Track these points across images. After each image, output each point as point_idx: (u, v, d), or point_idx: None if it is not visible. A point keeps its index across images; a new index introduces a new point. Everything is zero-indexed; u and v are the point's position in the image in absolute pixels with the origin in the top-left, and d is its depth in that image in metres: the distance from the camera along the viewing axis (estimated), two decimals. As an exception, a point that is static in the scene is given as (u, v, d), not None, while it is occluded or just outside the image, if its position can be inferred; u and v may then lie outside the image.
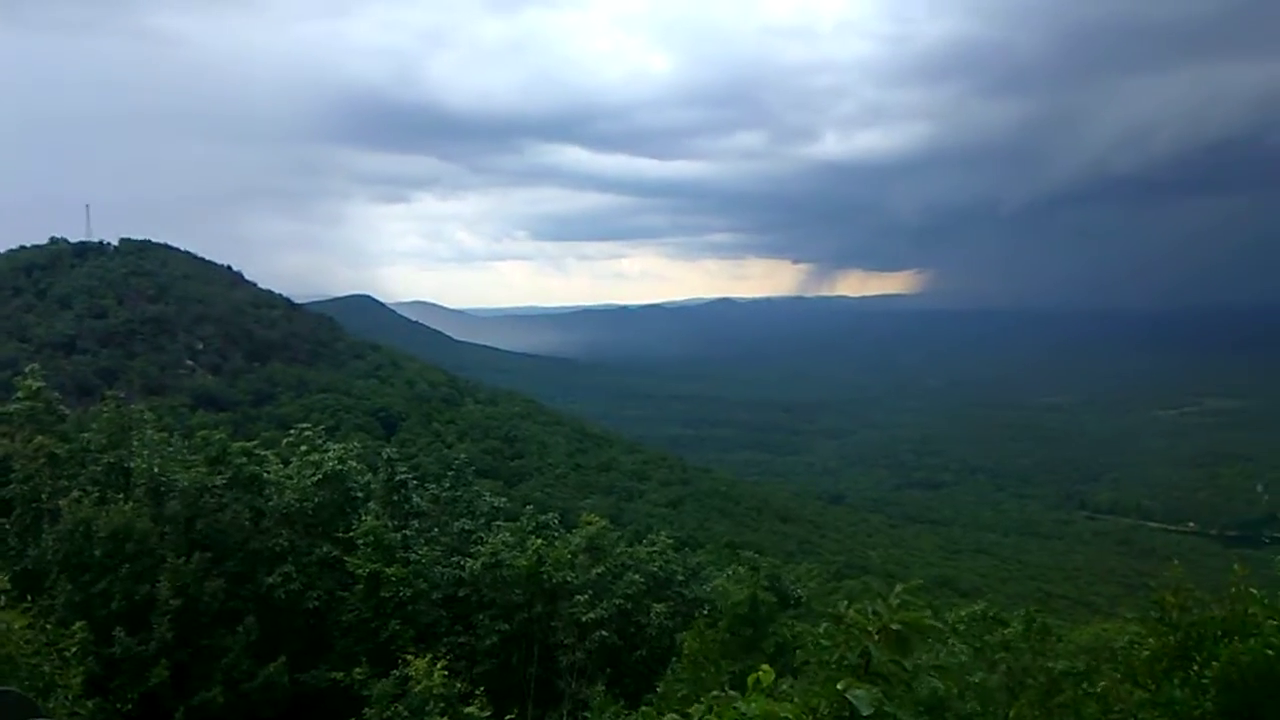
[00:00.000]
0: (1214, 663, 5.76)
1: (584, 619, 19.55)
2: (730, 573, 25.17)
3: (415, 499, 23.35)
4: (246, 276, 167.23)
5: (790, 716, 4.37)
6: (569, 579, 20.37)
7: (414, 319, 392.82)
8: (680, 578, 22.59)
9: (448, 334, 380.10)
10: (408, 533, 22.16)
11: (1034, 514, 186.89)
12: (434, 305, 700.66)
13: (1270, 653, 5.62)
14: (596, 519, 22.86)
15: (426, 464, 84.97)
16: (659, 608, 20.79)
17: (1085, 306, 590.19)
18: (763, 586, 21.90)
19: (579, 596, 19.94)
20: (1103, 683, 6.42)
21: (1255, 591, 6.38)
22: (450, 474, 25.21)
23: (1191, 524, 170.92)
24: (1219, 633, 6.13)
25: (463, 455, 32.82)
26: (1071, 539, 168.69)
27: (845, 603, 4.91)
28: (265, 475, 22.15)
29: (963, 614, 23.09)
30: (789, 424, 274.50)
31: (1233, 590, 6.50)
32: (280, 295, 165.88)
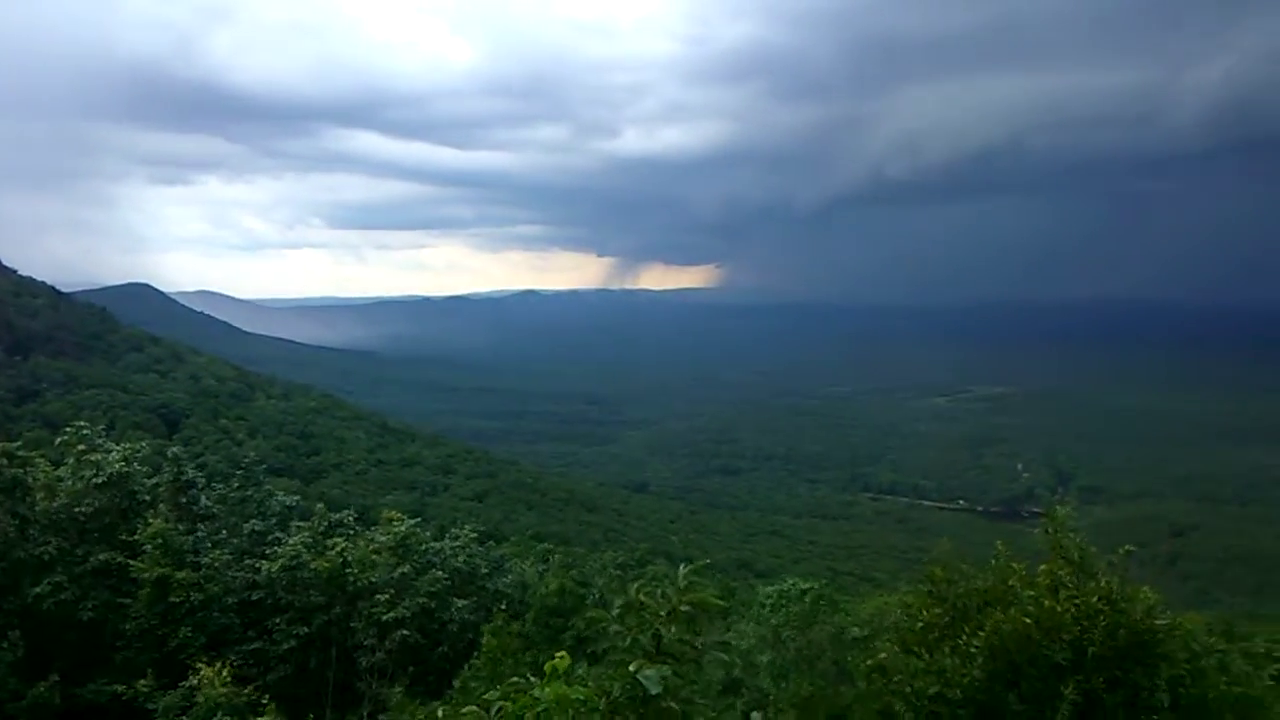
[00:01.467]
0: (980, 632, 6.25)
1: (385, 618, 19.02)
2: (533, 565, 25.21)
3: (204, 500, 21.98)
4: (5, 263, 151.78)
5: (582, 698, 4.42)
6: (372, 579, 19.77)
7: (199, 309, 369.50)
8: (484, 571, 22.39)
9: (237, 325, 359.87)
10: (197, 535, 20.86)
11: (823, 496, 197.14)
12: (221, 295, 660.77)
13: (1029, 620, 6.16)
14: (397, 515, 22.28)
15: (214, 463, 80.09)
16: (462, 603, 20.52)
17: (868, 301, 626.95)
18: (572, 579, 22.03)
19: (379, 596, 19.37)
20: (882, 654, 6.86)
21: (1015, 565, 6.97)
22: (239, 473, 23.89)
23: (962, 501, 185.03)
24: (984, 603, 6.66)
25: (253, 453, 31.18)
26: (856, 519, 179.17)
27: (636, 586, 5.01)
28: (32, 480, 20.23)
29: (770, 591, 24.08)
30: (595, 415, 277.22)
31: (995, 563, 7.07)
32: (44, 283, 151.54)
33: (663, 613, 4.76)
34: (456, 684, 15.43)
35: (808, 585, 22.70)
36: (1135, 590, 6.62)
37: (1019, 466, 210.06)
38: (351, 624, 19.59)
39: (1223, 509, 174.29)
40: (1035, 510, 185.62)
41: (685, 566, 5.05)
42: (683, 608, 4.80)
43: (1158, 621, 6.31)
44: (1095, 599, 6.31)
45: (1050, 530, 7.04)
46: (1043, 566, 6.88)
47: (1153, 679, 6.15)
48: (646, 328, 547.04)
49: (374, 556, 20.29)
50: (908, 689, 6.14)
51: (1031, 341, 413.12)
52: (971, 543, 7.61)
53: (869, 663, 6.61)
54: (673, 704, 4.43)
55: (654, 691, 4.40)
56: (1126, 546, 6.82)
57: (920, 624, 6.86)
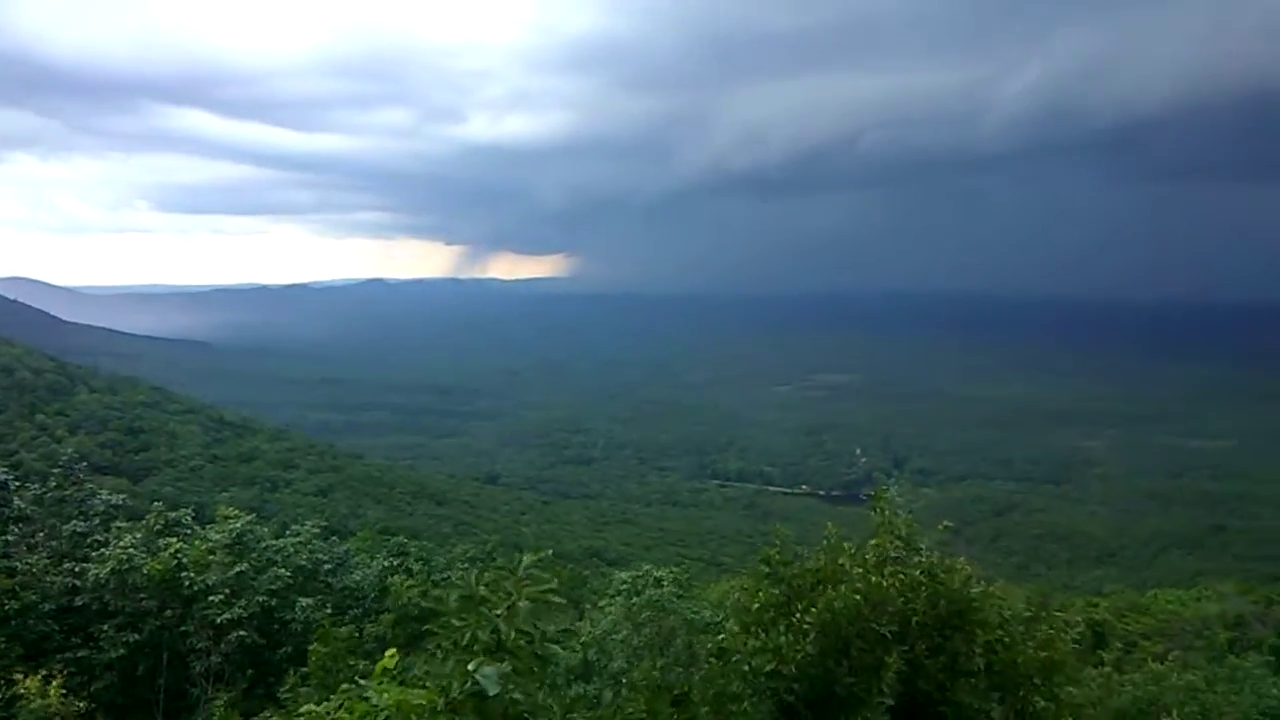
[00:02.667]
0: (812, 609, 6.57)
1: (220, 620, 18.23)
2: (383, 560, 24.65)
3: (16, 501, 20.47)
4: None
5: (424, 703, 4.38)
6: (207, 580, 18.90)
7: (10, 296, 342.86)
8: (328, 567, 21.77)
9: (54, 314, 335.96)
10: (8, 539, 19.43)
11: (673, 484, 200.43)
12: (36, 281, 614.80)
13: (858, 597, 6.53)
14: (233, 512, 21.38)
15: (31, 461, 75.02)
16: (306, 602, 19.88)
17: (714, 292, 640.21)
18: (431, 579, 21.63)
19: (214, 596, 18.55)
20: (721, 635, 7.13)
21: (845, 544, 7.37)
22: (57, 471, 22.38)
23: (805, 486, 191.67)
24: (817, 582, 7.02)
25: (72, 450, 29.20)
26: (705, 505, 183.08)
27: (475, 577, 5.01)
28: None
29: (624, 577, 24.39)
30: (445, 406, 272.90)
31: (826, 544, 7.46)
32: None
33: (502, 607, 4.76)
34: (280, 693, 14.93)
35: (662, 572, 23.12)
36: (953, 563, 7.15)
37: (857, 451, 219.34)
38: (184, 627, 18.70)
39: (1040, 489, 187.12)
40: (871, 494, 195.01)
41: (526, 557, 5.07)
42: (522, 602, 4.81)
43: (972, 591, 6.87)
44: (918, 572, 6.78)
45: (879, 510, 7.56)
46: (872, 542, 7.33)
47: (970, 645, 6.66)
48: (496, 318, 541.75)
49: (209, 556, 19.41)
50: (745, 668, 6.39)
51: (868, 331, 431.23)
52: (813, 525, 8.03)
53: (709, 645, 6.86)
54: (515, 694, 4.45)
55: (492, 691, 4.39)
56: (945, 523, 7.34)
57: (756, 605, 7.16)
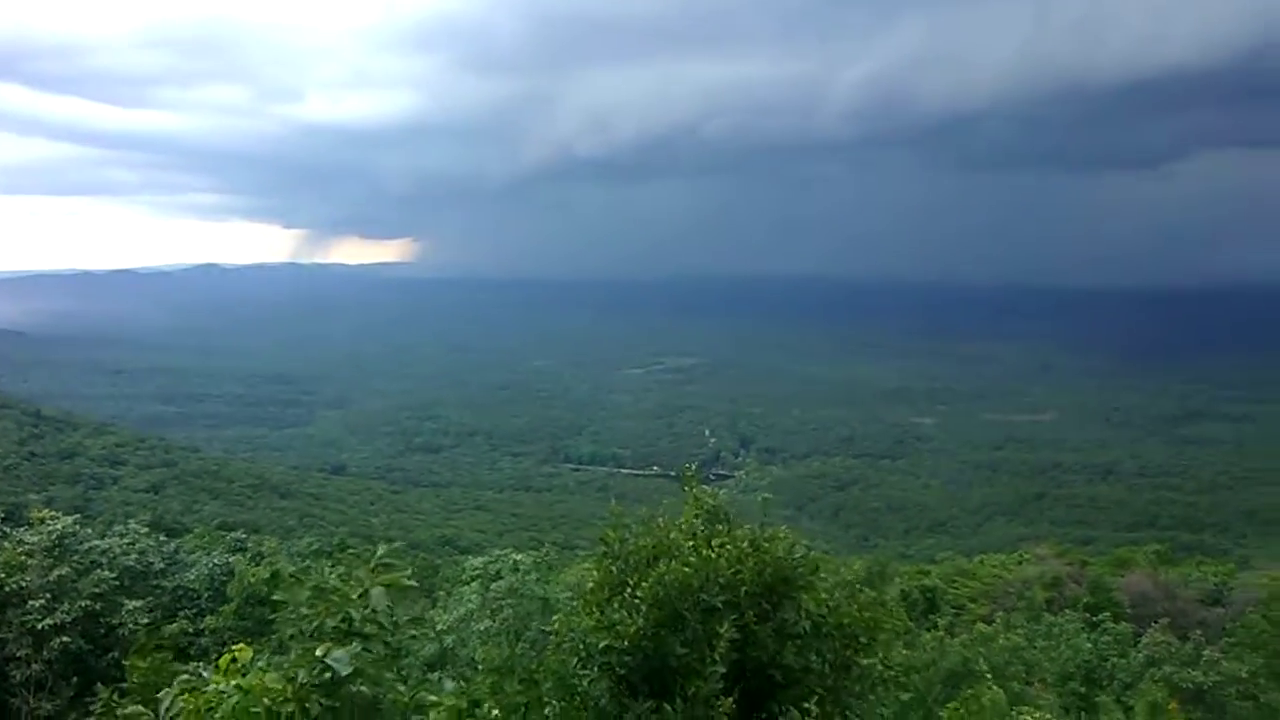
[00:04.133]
0: (643, 584, 6.78)
1: (41, 626, 17.17)
2: (221, 555, 23.70)
3: None
4: None
5: (275, 688, 4.31)
6: (23, 583, 17.73)
7: None
8: (159, 567, 20.77)
9: None
10: None
11: (526, 469, 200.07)
12: None
13: (687, 569, 6.77)
14: (50, 513, 20.11)
15: None
16: (135, 604, 18.94)
17: (564, 277, 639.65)
18: (276, 569, 20.90)
19: (34, 602, 17.44)
20: (556, 617, 7.28)
21: (675, 521, 7.63)
22: None
23: (656, 467, 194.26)
24: (652, 557, 7.24)
25: None
26: (559, 490, 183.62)
27: (328, 569, 4.96)
28: None
29: (477, 563, 24.22)
30: (287, 396, 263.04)
31: (659, 521, 7.70)
32: None
33: (354, 594, 4.73)
34: (96, 710, 14.21)
35: (520, 555, 23.10)
36: (774, 532, 7.53)
37: (706, 432, 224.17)
38: (1, 635, 17.52)
39: (878, 464, 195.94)
40: (722, 472, 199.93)
41: (381, 547, 5.05)
42: (375, 588, 4.79)
43: (795, 557, 7.26)
44: (745, 544, 7.10)
45: (687, 487, 7.90)
46: (682, 519, 7.63)
47: (797, 610, 7.03)
48: (341, 303, 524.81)
49: (25, 559, 18.21)
50: (581, 646, 6.54)
51: (716, 315, 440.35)
52: (663, 505, 8.23)
53: (550, 626, 7.00)
54: (363, 688, 4.42)
55: (343, 672, 4.35)
56: (765, 495, 7.72)
57: (592, 584, 7.34)
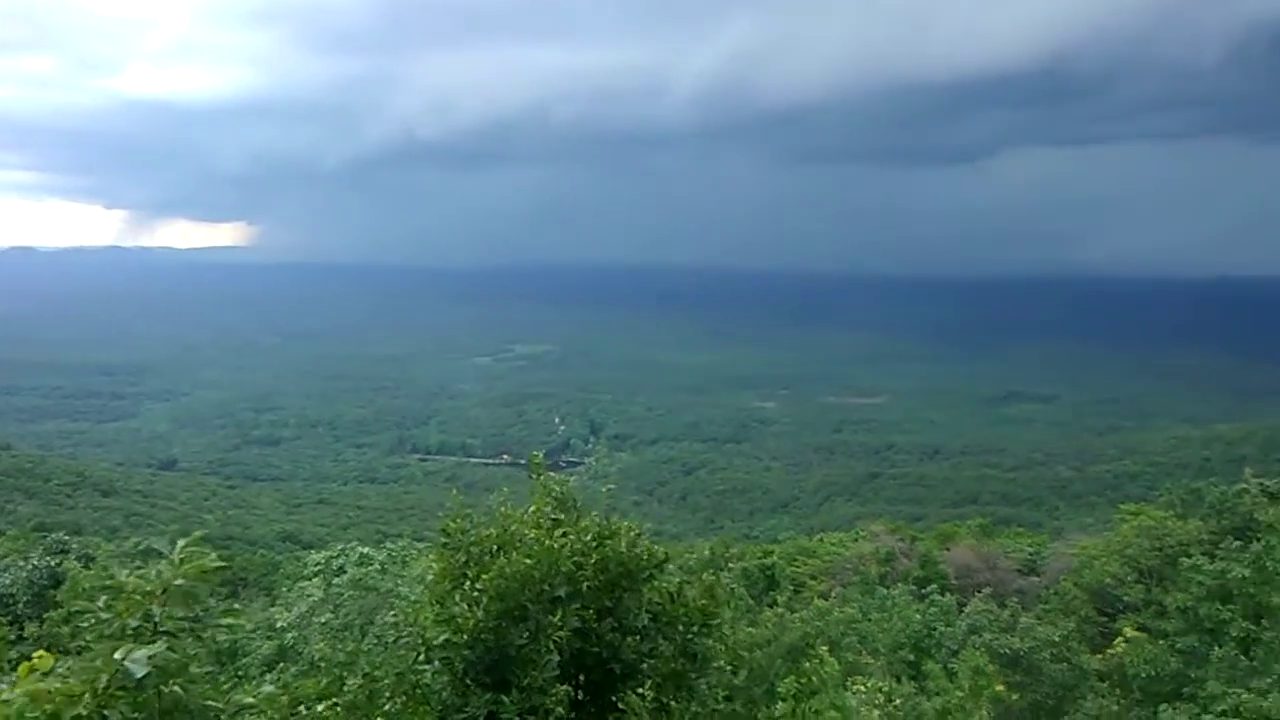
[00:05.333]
0: (484, 576, 6.75)
1: None
2: (40, 561, 22.17)
3: None
4: None
5: (67, 694, 4.07)
6: None
7: None
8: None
9: None
10: None
11: (371, 461, 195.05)
12: None
13: (529, 561, 6.78)
14: None
15: None
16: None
17: (409, 263, 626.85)
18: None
19: None
20: (390, 611, 7.17)
21: (517, 510, 7.62)
22: None
23: (506, 456, 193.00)
24: (496, 548, 7.21)
25: None
26: (406, 480, 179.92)
27: (126, 571, 4.71)
28: None
29: (318, 558, 23.47)
30: (110, 388, 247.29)
31: (501, 510, 7.67)
32: None
33: (156, 591, 4.51)
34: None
35: (368, 549, 22.56)
36: (619, 525, 7.61)
37: (557, 420, 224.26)
38: None
39: (723, 448, 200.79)
40: (572, 460, 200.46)
41: (180, 541, 4.82)
42: (177, 582, 4.58)
43: (638, 551, 7.36)
44: (588, 536, 7.15)
45: (534, 474, 7.91)
46: (531, 508, 7.63)
47: (638, 603, 7.14)
48: (170, 290, 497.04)
49: None
50: (420, 640, 6.47)
51: (565, 302, 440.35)
52: (513, 495, 8.14)
53: (389, 619, 6.89)
54: (173, 687, 4.23)
55: (140, 674, 4.15)
56: (609, 485, 7.81)
57: (433, 576, 7.25)
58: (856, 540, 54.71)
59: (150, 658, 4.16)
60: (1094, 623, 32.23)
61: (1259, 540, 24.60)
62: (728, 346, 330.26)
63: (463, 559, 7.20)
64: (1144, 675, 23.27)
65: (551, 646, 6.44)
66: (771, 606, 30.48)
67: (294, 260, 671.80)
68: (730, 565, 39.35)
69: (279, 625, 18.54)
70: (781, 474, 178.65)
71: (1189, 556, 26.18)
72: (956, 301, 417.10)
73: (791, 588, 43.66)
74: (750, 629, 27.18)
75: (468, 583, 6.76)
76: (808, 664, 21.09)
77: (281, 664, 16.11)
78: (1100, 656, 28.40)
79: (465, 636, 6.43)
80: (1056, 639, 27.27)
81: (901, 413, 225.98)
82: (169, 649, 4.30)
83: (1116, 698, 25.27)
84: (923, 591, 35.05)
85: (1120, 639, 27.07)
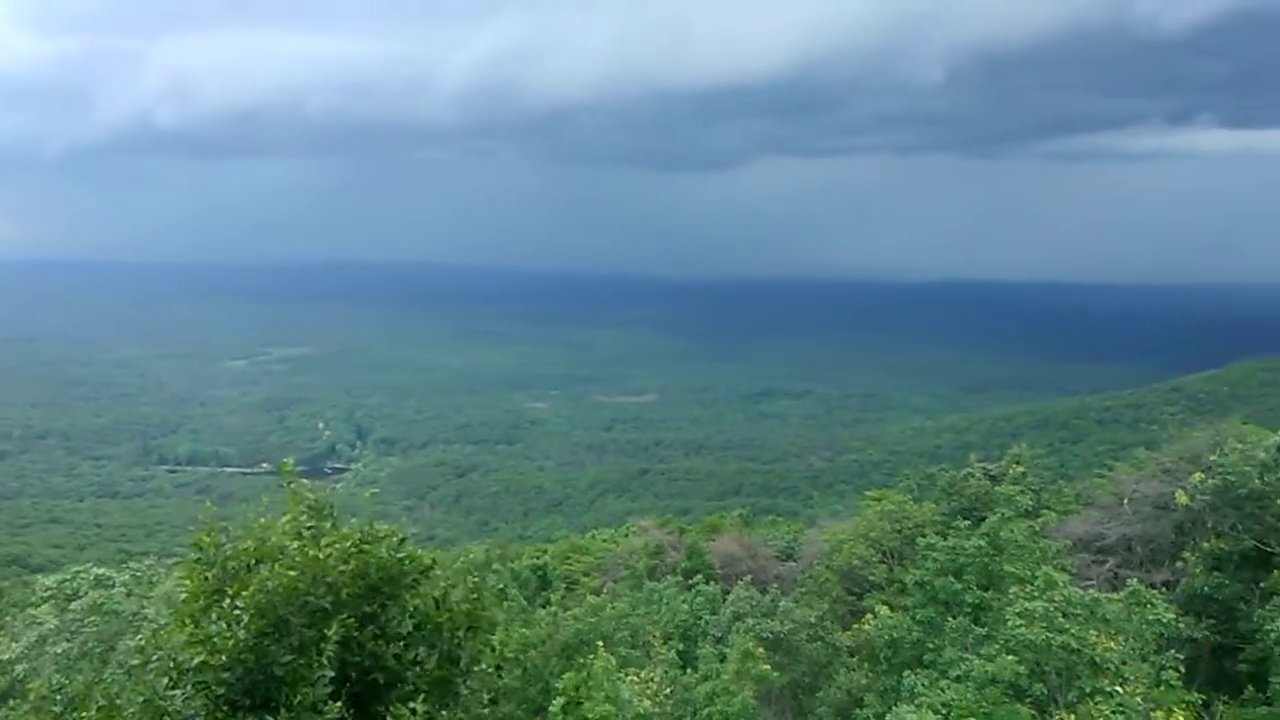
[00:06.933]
0: (244, 592, 6.36)
1: None
2: None
3: None
4: None
5: None
6: None
7: None
8: None
9: None
10: None
11: (112, 474, 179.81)
12: None
13: (293, 573, 6.45)
14: None
15: None
16: None
17: (149, 259, 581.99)
18: None
19: None
20: (139, 633, 6.62)
21: (280, 520, 7.23)
22: None
23: (265, 464, 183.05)
24: (255, 561, 6.80)
25: None
26: (153, 494, 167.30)
27: None
28: None
29: (49, 582, 21.33)
30: None
31: (259, 521, 7.26)
32: None
33: None
34: None
35: (104, 571, 20.81)
36: (378, 531, 7.39)
37: (320, 425, 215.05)
38: None
39: (496, 449, 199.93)
40: (338, 465, 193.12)
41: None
42: None
43: (400, 557, 7.16)
44: (350, 543, 6.88)
45: (286, 482, 7.53)
46: (285, 517, 7.26)
47: (402, 611, 6.94)
48: None
49: None
50: (171, 664, 6.01)
51: (327, 303, 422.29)
52: (274, 505, 7.66)
53: (133, 643, 6.34)
54: None
55: None
56: (371, 490, 7.57)
57: (185, 594, 6.76)
58: (627, 536, 56.02)
59: None
60: (845, 603, 34.68)
61: (994, 514, 27.34)
62: (498, 347, 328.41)
63: (218, 575, 6.73)
64: (889, 648, 25.22)
65: (325, 662, 6.14)
66: (545, 606, 30.70)
67: (15, 255, 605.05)
68: (497, 568, 39.31)
69: (5, 658, 16.82)
70: (554, 473, 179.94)
71: (924, 536, 28.63)
72: (717, 302, 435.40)
73: (565, 586, 44.13)
74: (524, 629, 27.30)
75: (226, 600, 6.33)
76: (583, 660, 21.47)
77: (13, 701, 14.58)
78: (851, 634, 30.60)
79: (224, 657, 6.03)
80: (812, 620, 29.17)
81: (668, 410, 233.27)
82: None
83: (866, 671, 27.29)
84: (689, 582, 36.34)
85: (869, 616, 29.25)
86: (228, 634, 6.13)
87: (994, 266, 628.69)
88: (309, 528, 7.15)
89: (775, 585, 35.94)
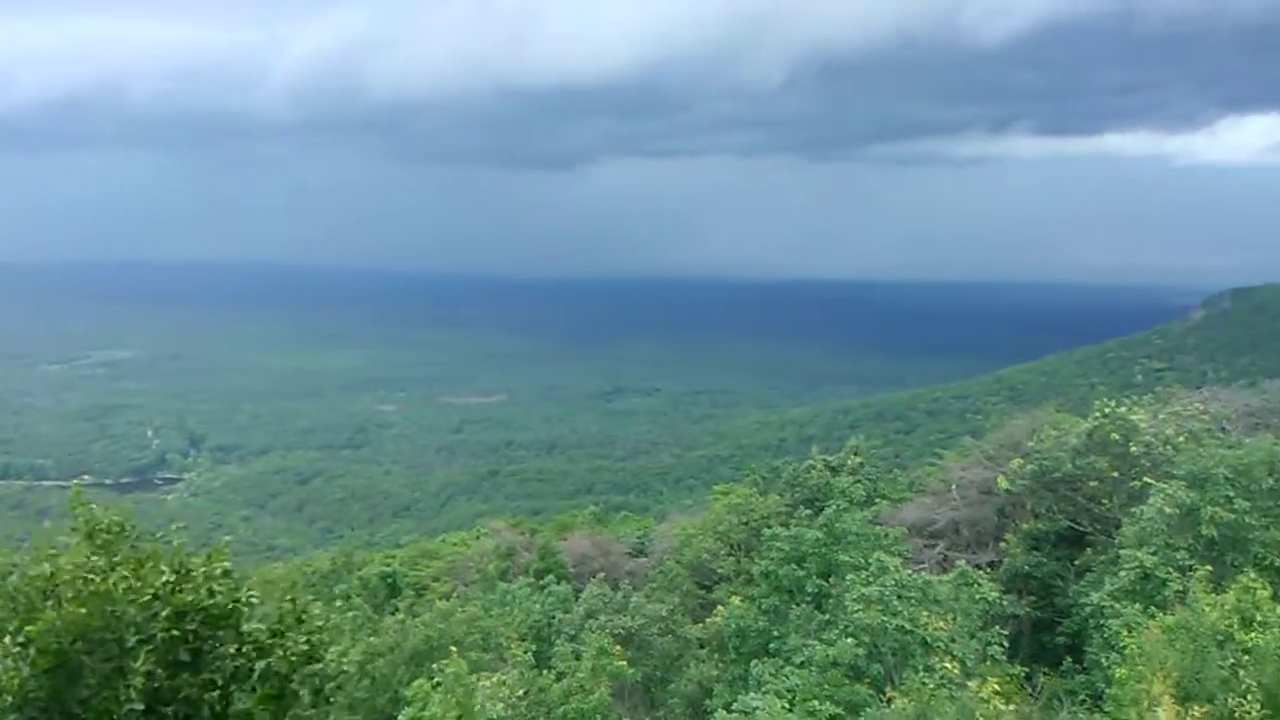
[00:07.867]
0: (29, 627, 5.76)
1: None
2: None
3: None
4: None
5: None
6: None
7: None
8: None
9: None
10: None
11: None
12: None
13: (84, 611, 5.81)
14: None
15: None
16: None
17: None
18: None
19: None
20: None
21: (72, 549, 6.58)
22: None
23: (87, 476, 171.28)
24: (50, 589, 6.18)
25: None
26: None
27: None
28: None
29: None
30: None
31: (43, 549, 6.59)
32: None
33: None
34: None
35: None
36: (191, 562, 6.70)
37: (149, 433, 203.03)
38: None
39: (340, 454, 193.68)
40: (169, 476, 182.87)
41: None
42: None
43: (221, 587, 6.52)
44: (161, 580, 6.24)
45: (76, 509, 6.80)
46: (75, 543, 6.59)
47: (220, 654, 6.31)
48: None
49: None
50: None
51: (152, 303, 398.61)
52: (49, 526, 6.94)
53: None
54: None
55: None
56: (178, 523, 6.92)
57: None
58: (478, 538, 55.23)
59: None
60: (695, 596, 35.24)
61: (830, 506, 28.29)
62: (342, 349, 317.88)
63: (5, 606, 6.08)
64: (736, 637, 25.77)
65: (133, 695, 5.62)
66: (393, 614, 29.91)
67: None
68: (344, 580, 38.14)
69: None
70: (402, 477, 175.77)
71: (769, 527, 29.40)
72: (566, 302, 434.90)
73: (414, 592, 43.09)
74: (372, 639, 26.50)
75: (7, 637, 5.71)
76: (434, 666, 20.97)
77: None
78: (701, 626, 31.12)
79: (10, 698, 5.45)
80: (664, 614, 29.51)
81: (519, 410, 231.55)
82: None
83: (715, 661, 27.80)
84: (541, 583, 36.15)
85: (719, 608, 29.83)
86: (13, 671, 5.55)
87: (832, 266, 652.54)
88: (104, 559, 6.43)
89: (627, 581, 36.16)
